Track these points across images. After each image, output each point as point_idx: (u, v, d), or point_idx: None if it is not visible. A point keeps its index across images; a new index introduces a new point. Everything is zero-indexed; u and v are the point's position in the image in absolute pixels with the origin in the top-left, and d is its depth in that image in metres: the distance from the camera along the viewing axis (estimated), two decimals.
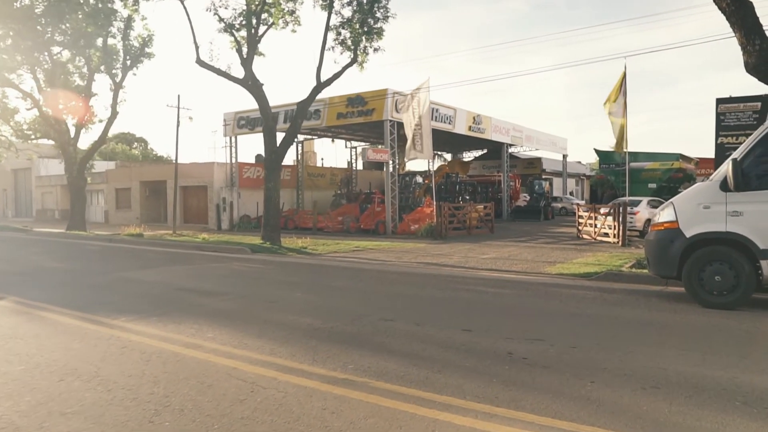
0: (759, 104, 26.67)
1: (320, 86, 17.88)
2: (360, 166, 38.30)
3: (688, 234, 7.79)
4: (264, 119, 17.95)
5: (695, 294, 7.79)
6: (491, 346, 5.70)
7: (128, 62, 22.82)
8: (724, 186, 7.60)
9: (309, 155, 41.78)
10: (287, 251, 16.60)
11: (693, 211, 7.86)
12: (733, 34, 9.74)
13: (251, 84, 18.03)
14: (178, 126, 31.38)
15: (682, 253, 7.84)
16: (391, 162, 25.08)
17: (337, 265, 13.59)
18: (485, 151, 42.39)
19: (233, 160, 30.69)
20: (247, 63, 18.14)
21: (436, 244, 19.06)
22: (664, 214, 8.19)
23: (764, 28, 9.65)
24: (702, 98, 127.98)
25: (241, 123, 30.06)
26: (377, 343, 5.88)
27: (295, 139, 32.68)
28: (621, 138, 19.71)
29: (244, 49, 18.48)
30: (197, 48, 17.66)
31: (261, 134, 28.17)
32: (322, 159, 40.59)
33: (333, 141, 33.45)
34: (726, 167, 7.58)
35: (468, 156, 44.29)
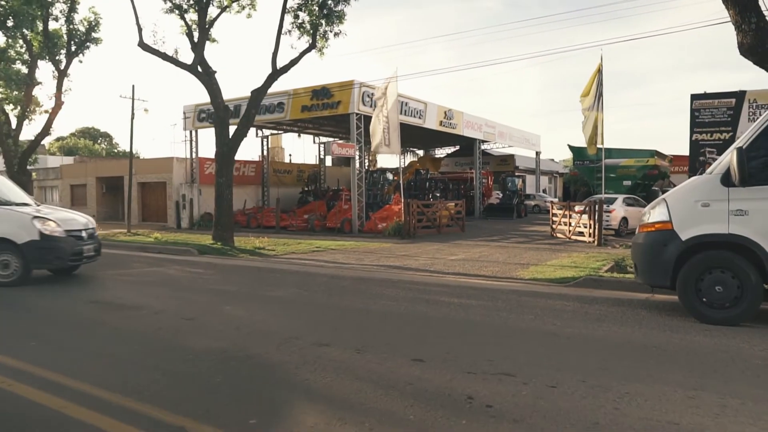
0: (733, 100, 25.84)
1: (276, 73, 16.36)
2: (329, 163, 36.77)
3: (684, 237, 6.54)
4: (215, 109, 16.37)
5: (692, 307, 6.55)
6: (446, 384, 4.33)
7: (73, 48, 20.93)
8: (726, 180, 6.36)
9: (276, 151, 40.07)
10: (239, 252, 15.05)
11: (689, 210, 6.61)
12: (717, 21, 8.61)
13: (201, 71, 16.42)
14: (132, 118, 29.45)
15: (677, 259, 6.58)
16: (357, 157, 23.65)
17: (288, 269, 12.12)
18: (457, 147, 41.20)
19: (193, 155, 28.91)
20: (197, 48, 16.52)
21: (402, 244, 17.74)
22: (655, 213, 6.92)
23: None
24: (674, 98, 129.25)
25: (202, 116, 28.28)
26: (297, 383, 4.45)
27: (260, 134, 31.07)
28: (594, 134, 18.59)
29: (196, 34, 16.87)
30: (140, 30, 15.97)
31: (235, 131, 26.72)
32: (290, 155, 38.96)
33: (299, 136, 31.84)
34: (729, 157, 6.34)
35: (440, 152, 43.06)
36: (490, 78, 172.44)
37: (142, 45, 16.01)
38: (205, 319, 6.87)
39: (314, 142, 34.33)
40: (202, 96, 24.09)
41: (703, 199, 6.51)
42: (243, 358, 5.12)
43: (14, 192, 10.64)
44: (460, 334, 6.12)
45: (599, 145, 19.02)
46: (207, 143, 39.85)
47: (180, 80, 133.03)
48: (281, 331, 6.16)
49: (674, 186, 25.94)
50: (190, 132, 28.85)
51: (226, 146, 16.18)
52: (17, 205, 9.90)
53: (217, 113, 16.35)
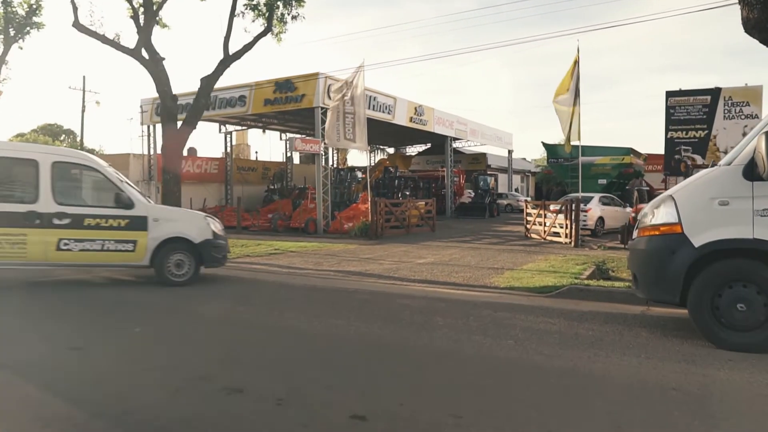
0: (708, 98, 25.05)
1: (228, 59, 14.74)
2: (297, 160, 35.12)
3: (698, 242, 5.23)
4: (161, 99, 14.68)
5: (708, 329, 5.24)
6: None
7: (11, 33, 18.96)
8: (749, 172, 5.07)
9: (242, 148, 38.25)
10: None
11: (704, 209, 5.30)
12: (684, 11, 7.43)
13: (148, 58, 14.70)
14: (83, 111, 27.70)
15: (688, 270, 5.27)
16: (322, 153, 22.16)
17: (233, 276, 10.56)
18: (429, 145, 39.93)
19: (151, 151, 27.00)
20: (143, 32, 14.78)
21: (368, 245, 16.32)
22: (661, 213, 5.59)
23: None
24: (639, 99, 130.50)
25: (160, 110, 26.41)
26: None
27: (223, 129, 29.30)
28: (570, 130, 17.43)
29: (142, 18, 15.15)
30: (75, 9, 14.16)
31: (183, 122, 24.92)
32: (257, 152, 37.11)
33: (264, 132, 30.10)
34: (755, 144, 5.05)
35: (411, 150, 41.75)
36: (462, 79, 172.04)
37: (78, 26, 14.22)
38: (99, 348, 5.30)
39: (281, 138, 32.67)
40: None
41: (720, 195, 5.21)
42: (117, 416, 3.61)
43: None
44: (420, 369, 4.69)
45: (575, 142, 17.88)
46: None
47: (138, 73, 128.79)
48: (189, 367, 4.66)
49: (647, 185, 24.99)
50: (148, 127, 26.96)
51: (173, 140, 14.52)
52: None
53: (163, 103, 14.67)
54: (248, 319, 6.77)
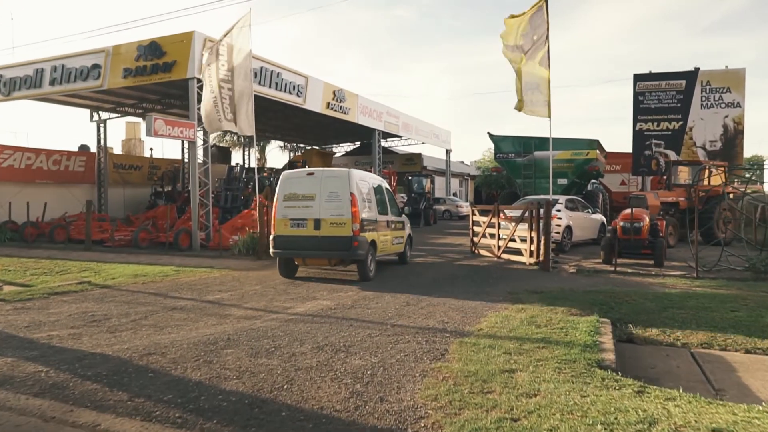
0: (683, 82, 20.24)
1: None
2: (199, 157, 28.47)
3: None
4: None
5: None
6: None
7: None
8: None
9: (133, 144, 31.12)
10: None
11: None
12: None
13: None
14: None
15: None
16: (200, 140, 16.08)
17: None
18: (357, 144, 34.24)
19: None
20: None
21: (245, 271, 10.84)
22: None
23: None
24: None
25: None
26: None
27: (95, 117, 22.48)
28: (518, 93, 12.11)
29: None
30: None
31: (25, 101, 18.23)
32: (152, 149, 30.08)
33: (144, 119, 23.37)
34: None
35: (339, 150, 35.91)
36: (403, 88, 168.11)
37: None
38: None
39: None
40: None
41: None
42: None
43: None
44: None
45: (548, 116, 12.59)
46: (10, 123, 30.22)
47: None
48: None
49: (605, 188, 19.84)
50: None
51: None
52: None
53: None
54: None
